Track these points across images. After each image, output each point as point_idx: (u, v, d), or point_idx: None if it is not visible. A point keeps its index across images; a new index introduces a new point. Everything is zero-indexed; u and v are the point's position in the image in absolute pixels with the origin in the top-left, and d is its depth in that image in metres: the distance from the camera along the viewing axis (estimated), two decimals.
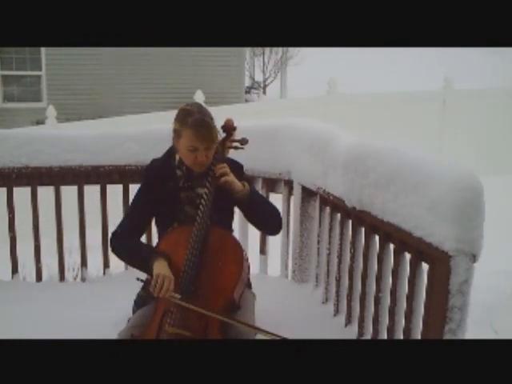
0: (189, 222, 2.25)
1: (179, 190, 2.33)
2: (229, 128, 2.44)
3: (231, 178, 2.26)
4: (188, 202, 2.33)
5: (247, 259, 2.30)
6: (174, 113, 2.34)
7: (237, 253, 2.23)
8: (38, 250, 3.23)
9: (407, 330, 2.13)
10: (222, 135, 2.40)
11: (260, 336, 2.31)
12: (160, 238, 2.36)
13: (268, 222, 2.42)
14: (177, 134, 2.27)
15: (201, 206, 2.23)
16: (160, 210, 2.39)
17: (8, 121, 11.31)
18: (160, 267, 2.11)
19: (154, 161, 2.44)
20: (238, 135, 2.46)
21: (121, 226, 2.35)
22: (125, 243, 2.28)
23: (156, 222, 2.45)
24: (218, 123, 2.37)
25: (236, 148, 2.44)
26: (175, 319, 2.07)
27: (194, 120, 2.22)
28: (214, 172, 2.27)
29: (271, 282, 3.16)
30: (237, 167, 2.39)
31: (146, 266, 2.16)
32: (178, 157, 2.34)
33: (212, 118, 2.27)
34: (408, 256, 2.15)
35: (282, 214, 2.51)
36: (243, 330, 2.11)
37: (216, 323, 2.09)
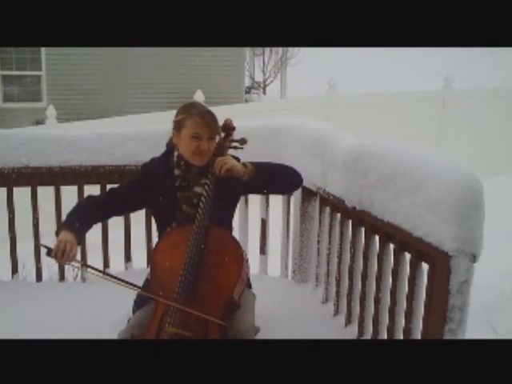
0: (188, 222, 2.25)
1: (176, 189, 2.33)
2: (228, 128, 2.44)
3: (231, 162, 2.24)
4: (185, 201, 2.33)
5: (247, 259, 2.30)
6: (173, 113, 2.35)
7: (236, 252, 2.23)
8: (38, 250, 3.22)
9: (407, 330, 2.13)
10: (221, 135, 2.41)
11: (260, 336, 2.31)
12: (159, 238, 2.37)
13: (285, 185, 2.44)
14: (179, 124, 2.28)
15: (200, 206, 2.23)
16: (158, 210, 2.40)
17: (8, 121, 11.31)
18: (64, 234, 2.10)
19: (153, 160, 2.45)
20: (237, 135, 2.46)
21: (99, 195, 2.44)
22: (81, 205, 2.33)
23: (155, 222, 2.46)
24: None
25: (235, 148, 2.44)
26: (175, 319, 2.07)
27: (198, 110, 2.28)
28: (213, 170, 2.27)
29: (271, 281, 3.17)
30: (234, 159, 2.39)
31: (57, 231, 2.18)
32: (176, 153, 2.34)
33: (214, 113, 2.32)
34: (408, 256, 2.15)
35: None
36: (242, 329, 2.12)
37: (216, 323, 2.09)
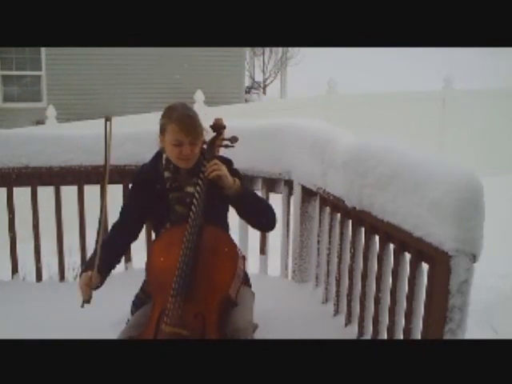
0: (182, 222, 2.26)
1: (167, 191, 2.34)
2: (218, 127, 2.44)
3: (223, 172, 2.24)
4: (178, 201, 2.33)
5: (242, 256, 2.30)
6: None
7: (231, 250, 2.23)
8: (38, 250, 3.22)
9: (407, 329, 2.13)
10: (212, 135, 2.41)
11: (259, 336, 2.31)
12: (155, 239, 2.38)
13: (260, 219, 2.41)
14: (162, 129, 2.29)
15: (193, 206, 2.23)
16: (151, 213, 2.41)
17: (8, 121, 11.31)
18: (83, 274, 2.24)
19: (143, 165, 2.46)
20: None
21: (116, 222, 2.41)
22: (107, 237, 2.36)
23: (151, 225, 2.47)
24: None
25: (226, 146, 2.44)
26: (172, 318, 2.07)
27: (178, 114, 2.27)
28: (204, 170, 2.26)
29: (271, 281, 3.16)
30: (225, 162, 2.38)
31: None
32: (164, 156, 2.35)
33: (197, 115, 2.30)
34: (408, 256, 2.15)
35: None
36: (241, 327, 2.12)
37: (213, 321, 2.09)
